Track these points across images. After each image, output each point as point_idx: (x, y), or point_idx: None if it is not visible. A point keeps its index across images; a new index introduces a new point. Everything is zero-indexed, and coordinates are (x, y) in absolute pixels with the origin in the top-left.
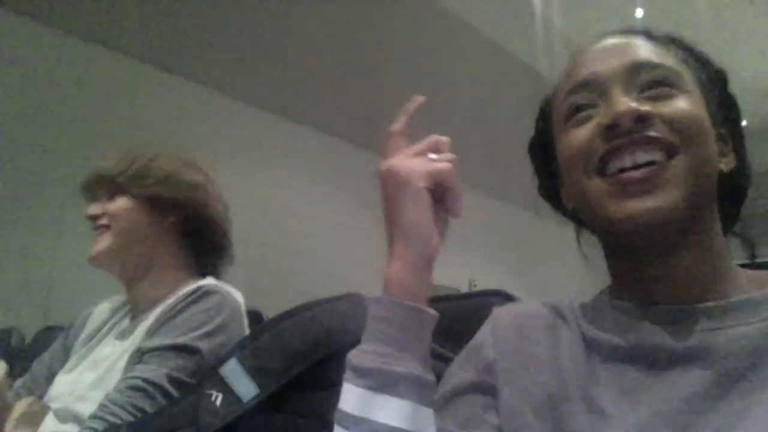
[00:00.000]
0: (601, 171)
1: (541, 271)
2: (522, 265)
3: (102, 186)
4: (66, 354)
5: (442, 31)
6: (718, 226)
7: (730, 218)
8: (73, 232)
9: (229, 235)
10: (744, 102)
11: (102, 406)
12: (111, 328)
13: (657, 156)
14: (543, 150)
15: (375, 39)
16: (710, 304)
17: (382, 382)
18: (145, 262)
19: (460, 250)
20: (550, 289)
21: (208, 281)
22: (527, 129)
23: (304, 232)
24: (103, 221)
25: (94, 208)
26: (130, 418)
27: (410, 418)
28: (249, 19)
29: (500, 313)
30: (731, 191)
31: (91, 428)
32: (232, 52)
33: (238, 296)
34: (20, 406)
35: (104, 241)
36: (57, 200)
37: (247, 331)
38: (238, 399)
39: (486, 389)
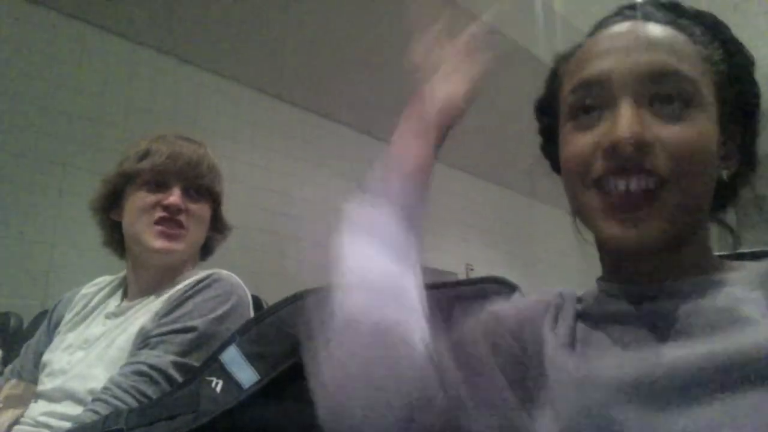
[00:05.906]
0: (598, 184)
1: (537, 255)
2: (518, 249)
3: (182, 179)
4: (50, 336)
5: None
6: (707, 228)
7: (719, 208)
8: (72, 216)
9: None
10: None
11: (105, 389)
12: (96, 308)
13: (650, 184)
14: (549, 111)
15: (376, 24)
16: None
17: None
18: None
19: (457, 234)
20: (546, 273)
21: (217, 270)
22: (527, 114)
23: (301, 216)
24: (182, 219)
25: (178, 200)
26: (134, 403)
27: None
28: (251, 2)
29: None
30: (727, 192)
31: (93, 410)
32: (233, 34)
33: (244, 286)
34: (4, 390)
35: (180, 245)
36: (56, 184)
37: None
38: (239, 386)
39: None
